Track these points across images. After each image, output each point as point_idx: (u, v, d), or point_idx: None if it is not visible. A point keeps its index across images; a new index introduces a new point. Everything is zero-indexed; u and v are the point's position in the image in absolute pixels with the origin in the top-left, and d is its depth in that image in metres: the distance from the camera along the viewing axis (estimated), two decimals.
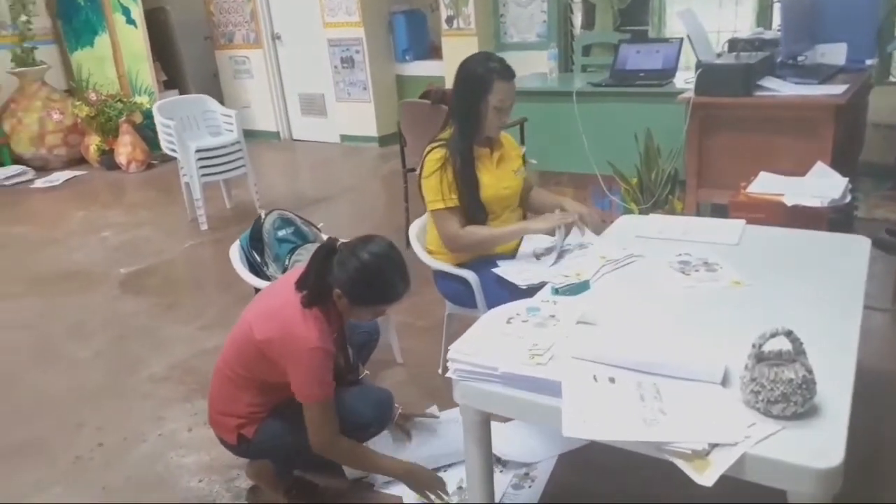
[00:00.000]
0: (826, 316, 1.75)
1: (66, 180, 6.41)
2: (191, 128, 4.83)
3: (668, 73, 3.68)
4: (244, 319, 1.90)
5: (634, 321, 1.81)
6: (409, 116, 3.74)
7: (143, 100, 6.51)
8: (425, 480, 1.93)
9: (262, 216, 2.54)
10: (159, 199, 5.59)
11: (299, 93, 7.06)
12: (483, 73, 2.24)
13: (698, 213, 3.08)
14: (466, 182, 2.30)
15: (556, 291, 2.00)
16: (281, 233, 2.51)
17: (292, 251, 2.49)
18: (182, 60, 7.22)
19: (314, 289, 1.80)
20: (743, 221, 2.41)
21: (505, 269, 2.27)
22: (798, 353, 1.45)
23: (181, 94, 6.92)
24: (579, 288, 2.03)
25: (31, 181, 6.42)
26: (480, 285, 2.36)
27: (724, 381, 1.51)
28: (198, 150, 4.52)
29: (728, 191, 2.81)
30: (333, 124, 6.89)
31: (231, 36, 7.21)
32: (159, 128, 4.70)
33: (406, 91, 6.51)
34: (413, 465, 1.95)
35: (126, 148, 6.43)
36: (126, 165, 6.48)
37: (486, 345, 1.67)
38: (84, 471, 2.32)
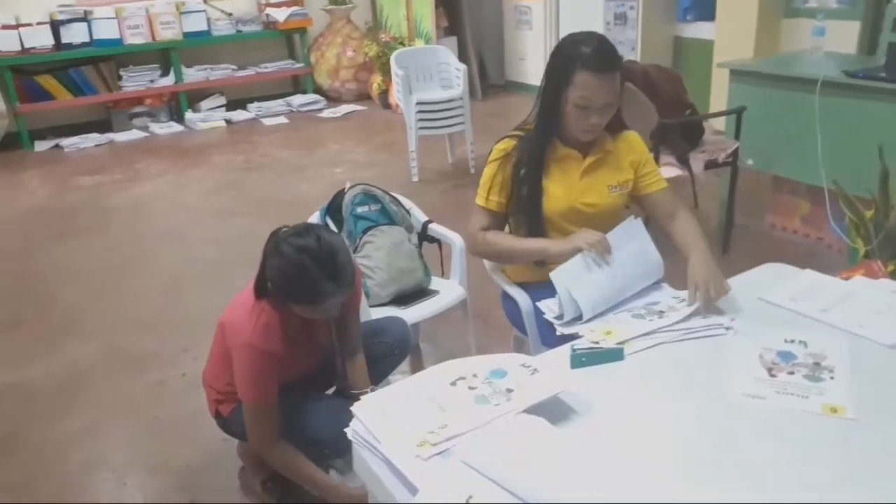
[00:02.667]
0: None
1: (346, 113, 7.01)
2: (423, 79, 4.86)
3: None
4: None
5: (618, 432, 1.32)
6: None
7: (419, 43, 6.75)
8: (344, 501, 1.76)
9: (346, 188, 2.42)
10: (403, 143, 5.80)
11: None
12: (568, 56, 1.77)
13: None
14: (526, 188, 1.89)
15: (575, 353, 1.56)
16: (360, 209, 2.36)
17: (367, 230, 2.33)
18: (463, 7, 7.27)
19: (258, 280, 1.66)
20: None
21: (548, 305, 1.84)
22: None
23: (459, 40, 7.04)
24: (607, 356, 1.57)
25: (320, 110, 7.16)
26: (533, 312, 1.96)
27: None
28: (418, 103, 4.53)
29: None
30: None
31: None
32: (393, 76, 4.81)
33: (683, 55, 5.74)
34: (340, 485, 1.78)
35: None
36: (395, 106, 6.83)
37: (400, 407, 1.36)
38: (157, 395, 2.54)
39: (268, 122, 6.86)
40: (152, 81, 6.85)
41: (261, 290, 1.68)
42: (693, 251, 1.81)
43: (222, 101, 7.21)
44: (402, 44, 6.85)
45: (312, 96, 7.34)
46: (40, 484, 2.16)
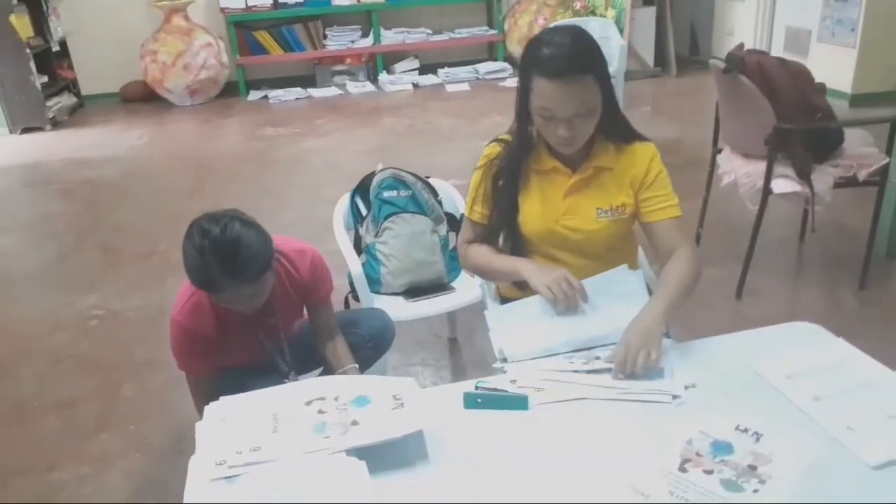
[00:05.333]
0: None
1: None
2: None
3: None
4: None
5: (450, 494, 1.15)
6: (717, 83, 2.76)
7: (610, 14, 6.32)
8: None
9: (377, 170, 2.35)
10: None
11: (787, 25, 5.80)
12: (527, 59, 1.53)
13: None
14: (504, 202, 1.68)
15: (469, 393, 1.38)
16: (387, 194, 2.28)
17: (389, 216, 2.26)
18: None
19: None
20: None
21: (494, 319, 1.62)
22: None
23: (658, 11, 6.48)
24: (506, 402, 1.39)
25: (503, 79, 7.07)
26: None
27: None
28: None
29: None
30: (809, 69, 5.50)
31: None
32: None
33: None
34: None
35: None
36: None
37: (240, 418, 1.31)
38: None
39: (450, 88, 6.93)
40: (353, 42, 7.24)
41: None
42: (651, 301, 1.50)
43: (415, 64, 7.42)
44: (592, 13, 6.48)
45: (499, 64, 7.26)
46: (83, 405, 2.45)
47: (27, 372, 2.70)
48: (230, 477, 1.16)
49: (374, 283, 2.25)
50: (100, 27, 6.93)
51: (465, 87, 6.94)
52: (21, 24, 6.15)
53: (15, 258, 3.81)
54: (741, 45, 2.67)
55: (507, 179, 1.67)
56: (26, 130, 6.22)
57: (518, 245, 1.69)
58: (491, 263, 1.70)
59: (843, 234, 3.12)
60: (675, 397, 1.35)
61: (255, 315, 1.72)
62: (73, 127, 6.39)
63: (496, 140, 1.74)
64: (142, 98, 7.10)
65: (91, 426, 2.34)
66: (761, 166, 2.49)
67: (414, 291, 2.25)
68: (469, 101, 6.45)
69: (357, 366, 1.90)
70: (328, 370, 1.91)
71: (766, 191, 2.50)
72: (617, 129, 1.63)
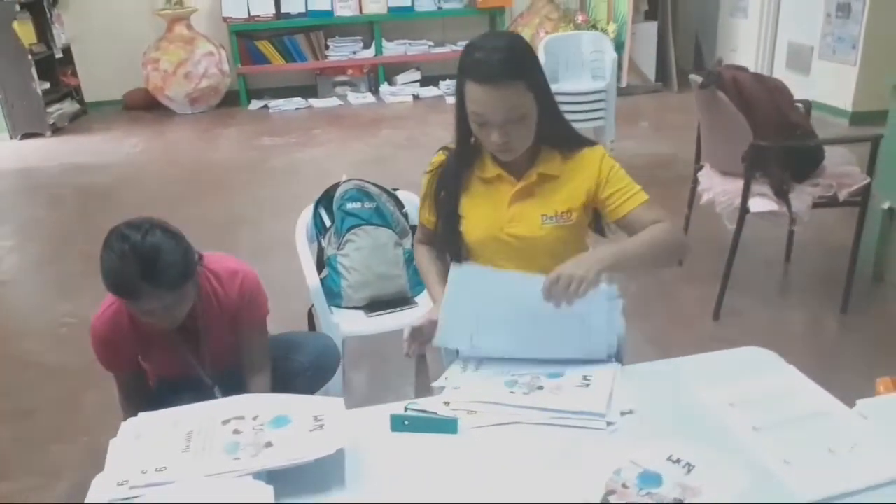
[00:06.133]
0: None
1: None
2: (573, 67, 4.50)
3: None
4: None
5: None
6: (696, 99, 2.70)
7: (612, 28, 6.27)
8: None
9: (341, 181, 2.30)
10: None
11: (789, 41, 5.73)
12: (461, 63, 1.50)
13: None
14: (445, 211, 1.65)
15: (396, 415, 1.33)
16: (350, 205, 2.24)
17: (351, 228, 2.21)
18: None
19: None
20: None
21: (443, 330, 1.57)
22: None
23: (660, 25, 6.43)
24: (435, 425, 1.33)
25: None
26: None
27: None
28: (555, 94, 4.21)
29: None
30: (811, 86, 5.43)
31: None
32: None
33: None
34: None
35: None
36: None
37: (155, 435, 1.26)
38: None
39: (451, 100, 6.87)
40: (354, 53, 7.25)
41: None
42: (606, 245, 1.50)
43: (417, 76, 7.41)
44: (594, 27, 6.43)
45: None
46: (42, 415, 2.42)
47: None
48: (130, 498, 1.11)
49: (335, 297, 2.20)
50: (103, 35, 6.98)
51: None
52: (24, 30, 6.20)
53: None
54: (720, 60, 2.61)
55: (448, 190, 1.64)
56: (26, 136, 6.25)
57: (459, 254, 1.66)
58: (425, 277, 1.75)
59: (829, 254, 3.04)
60: (609, 424, 1.29)
61: (176, 330, 1.67)
62: (73, 133, 6.42)
63: (443, 148, 1.71)
64: (144, 106, 7.13)
65: (46, 437, 2.31)
66: (739, 184, 2.43)
67: (375, 305, 2.20)
68: None
69: None
70: None
71: (744, 209, 2.43)
72: (560, 138, 1.59)
